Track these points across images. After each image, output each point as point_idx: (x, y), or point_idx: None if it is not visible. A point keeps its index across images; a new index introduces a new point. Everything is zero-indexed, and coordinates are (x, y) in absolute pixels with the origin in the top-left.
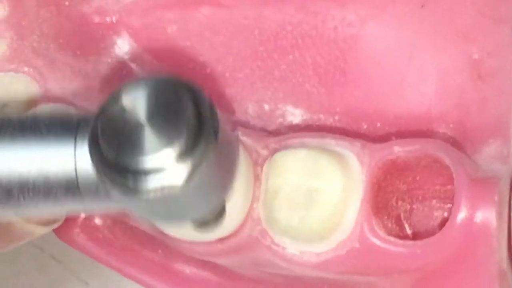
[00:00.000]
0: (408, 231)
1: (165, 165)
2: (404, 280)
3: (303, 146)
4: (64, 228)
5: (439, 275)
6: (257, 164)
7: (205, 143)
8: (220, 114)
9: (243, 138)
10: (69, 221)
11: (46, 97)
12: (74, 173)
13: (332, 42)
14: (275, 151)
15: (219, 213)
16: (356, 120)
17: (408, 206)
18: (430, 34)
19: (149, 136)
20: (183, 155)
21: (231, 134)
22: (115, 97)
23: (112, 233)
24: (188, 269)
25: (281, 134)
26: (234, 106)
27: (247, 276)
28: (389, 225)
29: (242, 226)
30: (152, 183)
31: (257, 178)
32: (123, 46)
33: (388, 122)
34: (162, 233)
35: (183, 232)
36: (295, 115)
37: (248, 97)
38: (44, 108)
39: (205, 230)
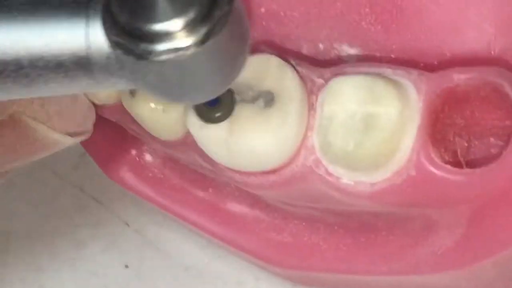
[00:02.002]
0: (465, 169)
1: (178, 30)
2: (462, 211)
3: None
4: (112, 166)
5: (497, 204)
6: (312, 92)
7: (219, 11)
8: None
9: (299, 68)
10: (117, 158)
11: None
12: (85, 45)
13: None
14: (330, 80)
15: (228, 108)
16: (412, 57)
17: (466, 144)
18: None
19: (163, 1)
20: (196, 20)
21: (243, 8)
22: None
23: (162, 172)
24: (238, 208)
25: None
26: (288, 46)
27: (299, 214)
28: (446, 158)
29: (295, 155)
30: (165, 46)
31: (311, 107)
32: None
33: (445, 60)
34: (215, 170)
35: (237, 162)
36: (351, 54)
37: (303, 36)
38: None
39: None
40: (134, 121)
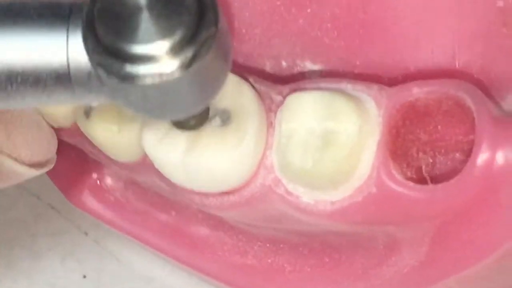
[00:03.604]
0: (430, 185)
1: (163, 53)
2: (425, 228)
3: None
4: (73, 190)
5: (461, 220)
6: (271, 110)
7: (205, 33)
8: (219, 5)
9: (256, 85)
10: (78, 182)
11: None
12: (65, 61)
13: None
14: (288, 96)
15: (203, 116)
16: (376, 73)
17: (430, 160)
18: None
19: (149, 22)
20: (182, 44)
21: (226, 27)
22: None
23: (124, 195)
24: (202, 231)
25: None
26: (251, 63)
27: (262, 236)
28: (409, 174)
29: (254, 175)
30: (150, 69)
31: (270, 125)
32: None
33: (409, 74)
34: (175, 192)
35: (195, 182)
36: (314, 71)
37: (265, 54)
38: None
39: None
40: (92, 143)
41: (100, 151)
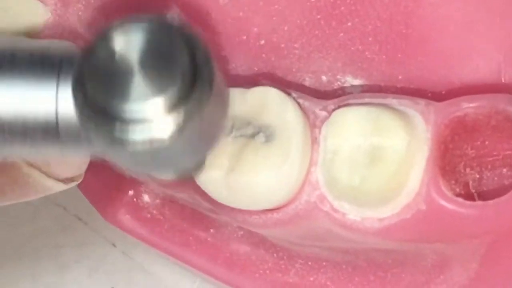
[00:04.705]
0: (478, 201)
1: (154, 116)
2: (475, 246)
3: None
4: (109, 208)
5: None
6: (315, 126)
7: (199, 95)
8: (214, 61)
9: (300, 100)
10: (115, 200)
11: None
12: (54, 116)
13: (393, 6)
14: (333, 112)
15: (199, 164)
16: (419, 87)
17: (477, 176)
18: None
19: (140, 83)
20: (174, 106)
21: (223, 82)
22: (104, 37)
23: (161, 212)
24: (242, 249)
25: None
26: (290, 79)
27: (305, 254)
28: (457, 190)
29: (299, 191)
30: (140, 134)
31: (314, 140)
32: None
33: (454, 89)
34: (216, 210)
35: (238, 200)
36: (355, 85)
37: (305, 69)
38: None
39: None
40: None
41: None
